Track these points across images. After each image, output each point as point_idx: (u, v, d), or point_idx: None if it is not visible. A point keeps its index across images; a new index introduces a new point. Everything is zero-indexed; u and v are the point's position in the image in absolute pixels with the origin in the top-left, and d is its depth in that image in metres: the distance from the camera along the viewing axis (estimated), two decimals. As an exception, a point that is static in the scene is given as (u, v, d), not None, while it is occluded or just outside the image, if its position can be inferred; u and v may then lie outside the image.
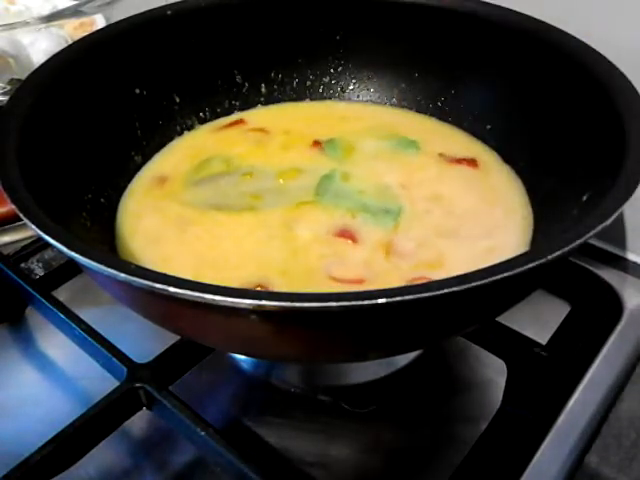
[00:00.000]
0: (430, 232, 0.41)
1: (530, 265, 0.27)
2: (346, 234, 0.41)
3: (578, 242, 0.28)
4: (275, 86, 0.54)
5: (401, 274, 0.38)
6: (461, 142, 0.49)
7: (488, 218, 0.42)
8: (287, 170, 0.46)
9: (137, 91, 0.48)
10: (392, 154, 0.48)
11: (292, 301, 0.26)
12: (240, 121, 0.52)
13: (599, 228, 0.29)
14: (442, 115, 0.51)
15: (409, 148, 0.48)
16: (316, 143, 0.49)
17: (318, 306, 0.25)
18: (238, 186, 0.45)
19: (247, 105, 0.53)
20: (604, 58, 0.40)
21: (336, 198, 0.44)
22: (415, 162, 0.47)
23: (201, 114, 0.52)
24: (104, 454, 0.39)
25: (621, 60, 0.39)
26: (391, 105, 0.53)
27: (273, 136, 0.50)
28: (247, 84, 0.53)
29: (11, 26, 0.54)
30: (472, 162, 0.47)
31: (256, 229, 0.42)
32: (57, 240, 0.29)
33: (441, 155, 0.48)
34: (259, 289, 0.37)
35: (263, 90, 0.54)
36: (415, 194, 0.44)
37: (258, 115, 0.53)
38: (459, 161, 0.47)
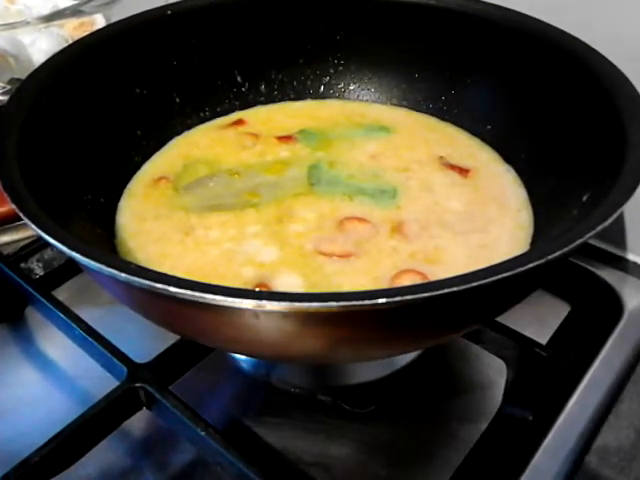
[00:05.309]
0: (429, 216, 0.42)
1: (530, 265, 0.27)
2: (353, 217, 0.42)
3: (578, 242, 0.28)
4: (275, 86, 0.54)
5: (396, 260, 0.39)
6: (460, 141, 0.49)
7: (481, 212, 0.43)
8: (273, 164, 0.47)
9: (137, 91, 0.48)
10: (366, 139, 0.49)
11: (292, 301, 0.26)
12: (239, 122, 0.52)
13: (599, 228, 0.29)
14: (442, 115, 0.51)
15: (379, 132, 0.50)
16: (282, 138, 0.49)
17: (318, 306, 0.26)
18: (230, 186, 0.45)
19: (247, 105, 0.53)
20: (604, 58, 0.40)
21: (330, 185, 0.45)
22: (392, 146, 0.49)
23: (201, 114, 0.52)
24: (104, 454, 0.39)
25: (621, 58, 0.39)
26: (391, 105, 0.53)
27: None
28: (247, 84, 0.53)
29: (11, 26, 0.54)
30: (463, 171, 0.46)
31: (259, 224, 0.42)
32: (57, 240, 0.29)
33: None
34: (259, 289, 0.37)
35: (263, 90, 0.54)
36: (399, 174, 0.46)
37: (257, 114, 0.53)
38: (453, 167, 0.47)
